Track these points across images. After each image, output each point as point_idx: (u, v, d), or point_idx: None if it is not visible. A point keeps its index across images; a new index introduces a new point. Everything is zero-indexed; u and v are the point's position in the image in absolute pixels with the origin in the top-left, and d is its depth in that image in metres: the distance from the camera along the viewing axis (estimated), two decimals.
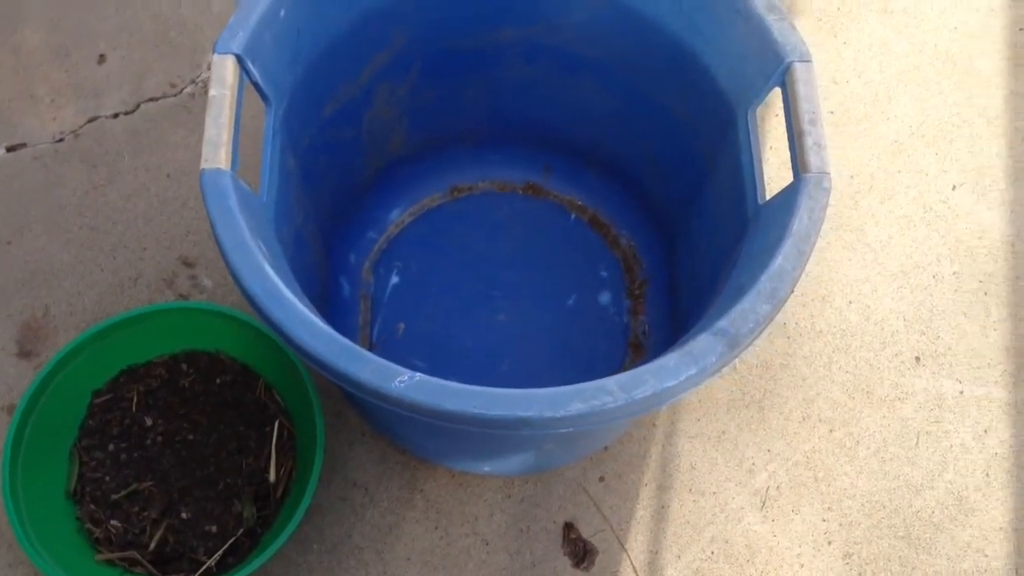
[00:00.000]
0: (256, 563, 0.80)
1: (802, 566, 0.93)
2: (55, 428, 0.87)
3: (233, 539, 0.86)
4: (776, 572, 0.92)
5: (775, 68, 0.72)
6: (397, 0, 0.82)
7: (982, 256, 1.10)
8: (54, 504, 0.86)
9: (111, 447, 0.89)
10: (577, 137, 1.02)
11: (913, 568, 0.93)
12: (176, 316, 0.89)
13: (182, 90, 1.14)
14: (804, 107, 0.70)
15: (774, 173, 1.11)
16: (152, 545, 0.86)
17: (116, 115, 1.12)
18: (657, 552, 0.92)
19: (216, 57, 0.69)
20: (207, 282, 1.02)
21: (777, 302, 0.64)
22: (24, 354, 0.98)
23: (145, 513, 0.87)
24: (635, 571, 0.92)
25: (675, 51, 0.83)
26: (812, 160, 0.68)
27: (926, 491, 0.97)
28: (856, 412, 1.00)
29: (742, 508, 0.95)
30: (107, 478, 0.88)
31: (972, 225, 1.11)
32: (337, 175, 0.94)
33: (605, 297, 1.02)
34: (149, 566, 0.85)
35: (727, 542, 0.93)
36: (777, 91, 0.74)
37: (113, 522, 0.86)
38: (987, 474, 0.98)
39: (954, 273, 1.08)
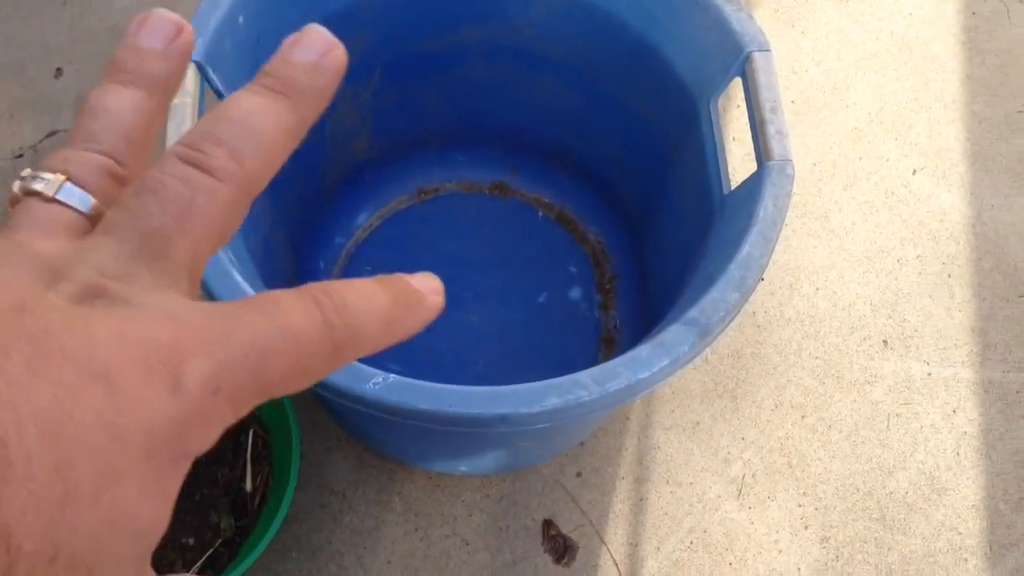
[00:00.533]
0: (235, 574, 0.79)
1: (780, 552, 0.94)
2: None
3: (211, 550, 0.85)
4: (755, 559, 0.93)
5: (735, 58, 0.73)
6: (356, 5, 0.82)
7: (944, 238, 1.11)
8: None
9: None
10: (543, 136, 1.03)
11: (889, 549, 0.95)
12: None
13: None
14: (765, 96, 0.71)
15: (738, 164, 1.12)
16: None
17: None
18: (637, 544, 0.93)
19: None
20: None
21: (746, 290, 0.64)
22: None
23: None
24: (616, 565, 0.92)
25: (636, 46, 0.83)
26: (775, 148, 0.69)
27: (899, 472, 0.98)
28: (827, 397, 1.01)
29: (719, 497, 0.96)
30: None
31: (933, 208, 1.13)
32: (303, 181, 0.94)
33: (576, 293, 1.02)
34: None
35: (705, 531, 0.94)
36: (738, 81, 0.75)
37: None
38: (957, 453, 0.99)
39: (917, 256, 1.10)
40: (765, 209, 0.67)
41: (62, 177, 0.23)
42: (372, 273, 1.02)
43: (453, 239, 1.05)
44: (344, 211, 1.04)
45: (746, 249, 0.65)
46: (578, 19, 0.86)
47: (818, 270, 1.08)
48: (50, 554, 0.17)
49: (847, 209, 1.12)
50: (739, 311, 0.65)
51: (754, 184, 0.69)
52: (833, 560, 0.94)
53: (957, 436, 1.00)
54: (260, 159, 0.24)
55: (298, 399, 0.94)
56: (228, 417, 0.20)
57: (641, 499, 0.95)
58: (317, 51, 0.25)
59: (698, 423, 0.99)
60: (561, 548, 0.92)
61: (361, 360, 0.63)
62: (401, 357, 0.97)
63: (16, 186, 0.23)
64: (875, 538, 0.95)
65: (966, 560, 0.95)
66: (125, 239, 0.21)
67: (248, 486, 0.88)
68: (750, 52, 0.72)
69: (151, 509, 0.19)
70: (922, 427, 1.01)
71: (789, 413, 1.00)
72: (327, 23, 0.86)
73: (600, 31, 0.85)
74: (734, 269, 0.64)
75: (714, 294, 0.64)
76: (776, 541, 0.94)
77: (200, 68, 0.69)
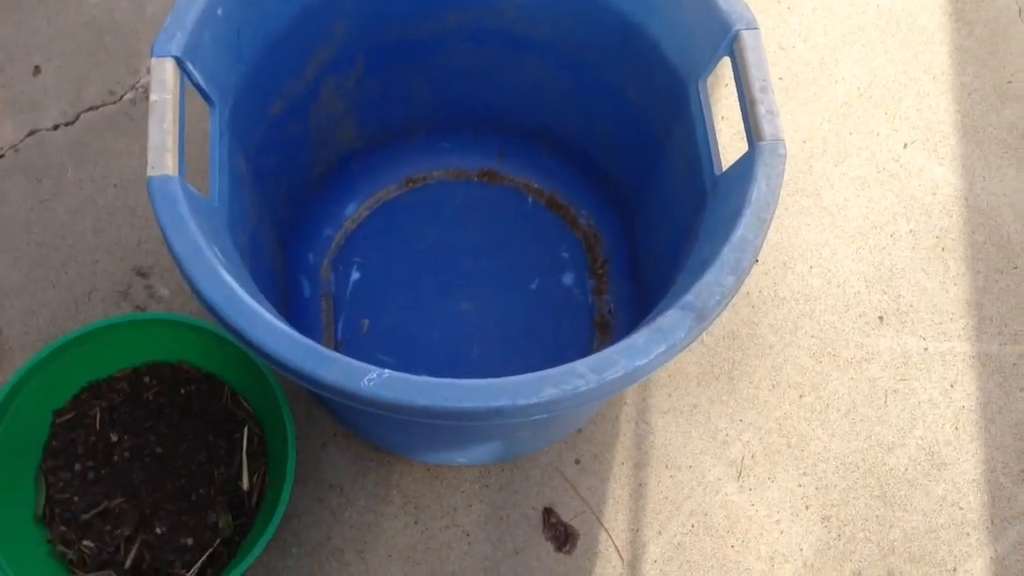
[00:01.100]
0: (235, 573, 0.78)
1: (782, 532, 0.93)
2: (18, 452, 0.85)
3: (210, 550, 0.85)
4: (756, 540, 0.93)
5: (723, 37, 0.72)
6: None
7: (937, 212, 1.11)
8: (24, 529, 0.84)
9: (78, 466, 0.87)
10: (530, 120, 1.02)
11: (891, 526, 0.94)
12: (135, 328, 0.87)
13: (122, 97, 1.11)
14: (754, 74, 0.70)
15: (727, 143, 1.11)
16: (128, 563, 0.84)
17: (56, 127, 1.09)
18: (638, 530, 0.92)
19: (155, 61, 0.67)
20: (163, 291, 1.00)
21: (741, 272, 0.63)
22: None
23: (118, 531, 0.85)
24: (617, 550, 0.92)
25: (623, 27, 0.82)
26: (766, 127, 0.68)
27: (898, 449, 0.98)
28: (824, 375, 1.01)
29: (719, 480, 0.95)
30: (76, 498, 0.86)
31: (925, 182, 1.12)
32: (289, 173, 0.92)
33: (568, 278, 1.01)
34: None
35: (706, 514, 0.94)
36: (726, 60, 0.74)
37: (86, 542, 0.85)
38: (956, 428, 0.99)
39: (910, 231, 1.09)
40: (758, 190, 0.66)
41: None
42: (362, 266, 1.01)
43: (443, 227, 1.04)
44: (332, 202, 1.03)
45: (740, 231, 0.64)
46: (562, 0, 0.85)
47: (811, 248, 1.08)
48: None
49: (839, 185, 1.12)
50: (735, 294, 0.64)
51: (746, 165, 0.68)
52: (835, 539, 0.93)
53: (955, 410, 1.00)
54: None
55: (293, 395, 0.93)
56: None
57: (640, 484, 0.94)
58: None
59: (695, 406, 0.98)
60: (562, 536, 0.92)
61: (354, 354, 0.62)
62: (394, 348, 0.97)
63: None
64: (876, 515, 0.95)
65: (968, 534, 0.94)
66: None
67: (245, 484, 0.87)
68: (738, 31, 0.71)
69: None
70: (920, 402, 1.00)
71: (787, 393, 1.00)
72: (306, 12, 0.84)
73: (585, 12, 0.84)
74: (728, 252, 0.64)
75: (709, 277, 0.63)
76: (777, 522, 0.94)
77: (180, 63, 0.67)
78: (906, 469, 0.97)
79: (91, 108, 1.10)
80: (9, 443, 0.83)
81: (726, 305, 0.63)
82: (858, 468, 0.97)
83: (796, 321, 1.04)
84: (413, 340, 0.97)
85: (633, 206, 0.98)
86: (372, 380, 0.58)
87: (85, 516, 0.86)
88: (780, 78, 1.18)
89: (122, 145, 1.08)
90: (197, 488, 0.87)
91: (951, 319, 1.05)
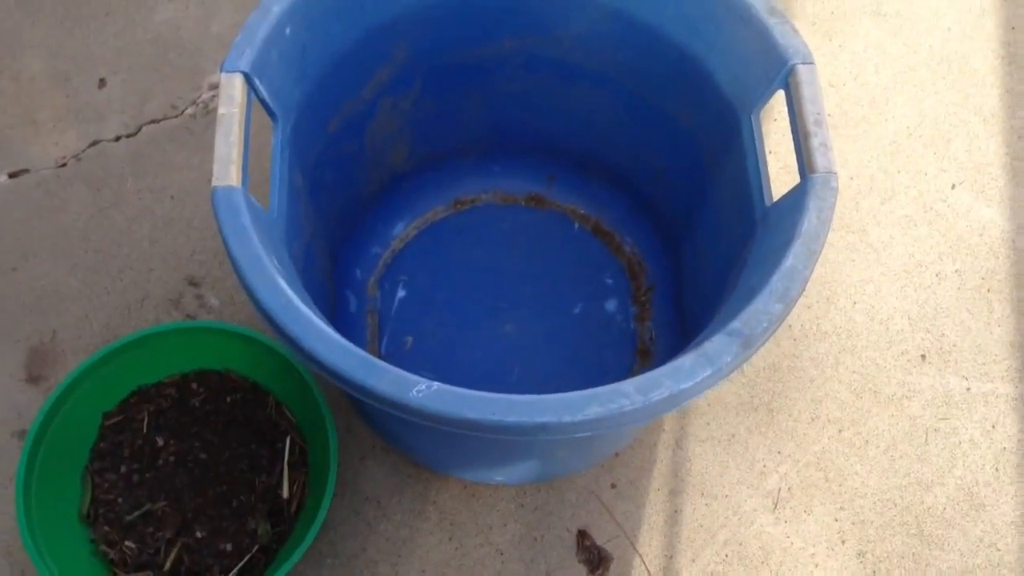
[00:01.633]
0: None
1: (816, 566, 0.93)
2: (67, 452, 0.87)
3: (248, 556, 0.86)
4: (791, 573, 0.92)
5: (778, 71, 0.73)
6: (397, 16, 0.83)
7: (983, 253, 1.10)
8: (69, 527, 0.86)
9: (123, 468, 0.89)
10: (579, 146, 1.03)
11: (927, 565, 0.94)
12: (185, 336, 0.89)
13: (183, 111, 1.14)
14: (809, 108, 0.71)
15: (774, 176, 1.12)
16: (167, 565, 0.85)
17: (118, 138, 1.12)
18: (672, 556, 0.92)
19: (224, 76, 0.69)
20: (214, 301, 1.02)
21: (789, 301, 0.64)
22: (33, 379, 0.98)
23: (159, 533, 0.87)
24: None
25: (678, 58, 0.83)
26: (819, 160, 0.69)
27: (936, 488, 0.97)
28: (864, 411, 1.01)
29: (755, 510, 0.95)
30: (120, 500, 0.88)
31: (972, 223, 1.12)
32: (342, 190, 0.94)
33: (611, 304, 1.02)
34: None
35: (741, 544, 0.93)
36: (778, 94, 0.75)
37: (128, 543, 0.86)
38: (996, 469, 0.98)
39: (956, 271, 1.09)
40: (809, 222, 0.67)
41: None
42: (408, 284, 1.02)
43: (488, 250, 1.05)
44: (381, 221, 1.05)
45: (790, 261, 0.65)
46: (620, 32, 0.86)
47: (855, 284, 1.08)
48: None
49: (885, 223, 1.12)
50: (782, 322, 0.64)
51: (798, 196, 0.69)
52: (870, 575, 0.93)
53: (996, 451, 0.99)
54: None
55: (334, 407, 0.95)
56: None
57: (676, 511, 0.95)
58: None
59: (734, 435, 0.99)
60: (596, 559, 0.92)
61: (394, 363, 0.63)
62: (436, 366, 0.98)
63: None
64: (912, 553, 0.94)
65: None
66: None
67: (285, 493, 0.88)
68: (794, 64, 0.72)
69: None
70: (960, 442, 1.00)
71: (826, 427, 0.99)
72: (369, 36, 0.87)
73: (642, 44, 0.85)
74: (777, 281, 0.64)
75: (757, 305, 0.64)
76: (813, 555, 0.93)
77: (247, 78, 0.70)
78: (944, 508, 0.96)
79: (153, 121, 1.13)
80: (59, 443, 0.85)
81: (773, 332, 0.64)
82: (896, 505, 0.96)
83: (837, 356, 1.03)
84: (455, 359, 0.99)
85: (679, 235, 0.98)
86: (421, 392, 0.59)
87: (128, 518, 0.87)
88: (829, 115, 1.19)
89: (181, 158, 1.11)
90: (238, 495, 0.88)
91: (994, 360, 1.04)
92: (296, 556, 0.80)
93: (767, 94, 0.75)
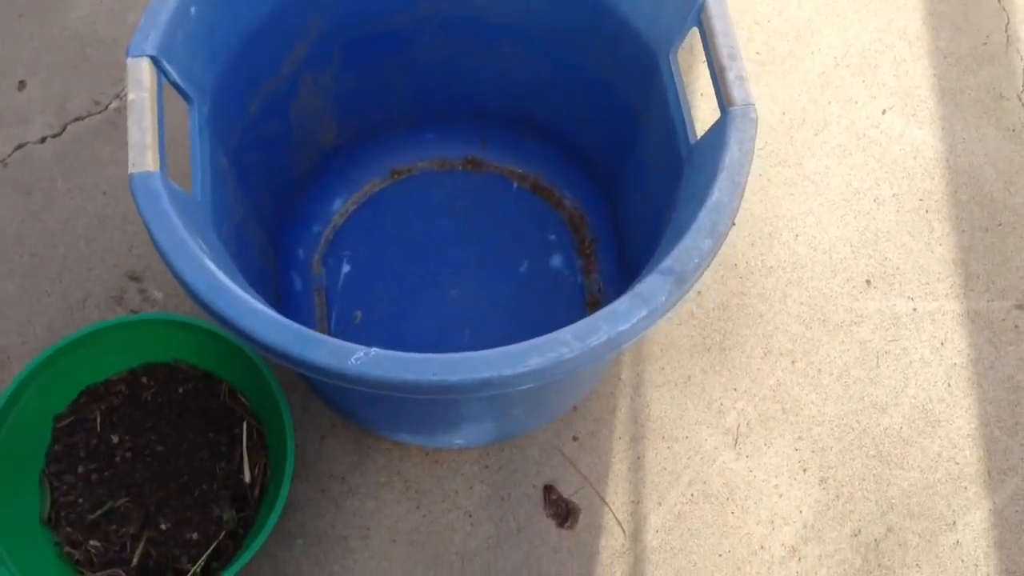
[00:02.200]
0: (239, 563, 0.79)
1: (781, 496, 0.94)
2: (21, 458, 0.86)
3: (215, 543, 0.86)
4: (756, 505, 0.94)
5: (690, 8, 0.73)
6: None
7: (919, 175, 1.12)
8: (31, 532, 0.85)
9: (81, 469, 0.88)
10: (508, 106, 1.03)
11: (888, 484, 0.95)
12: (129, 330, 0.89)
13: (107, 106, 1.12)
14: (721, 42, 0.71)
15: (708, 119, 1.12)
16: (135, 560, 0.85)
17: (43, 139, 1.10)
18: (638, 502, 0.93)
19: (130, 61, 0.68)
20: (157, 295, 1.01)
21: (718, 236, 0.65)
22: None
23: (124, 530, 0.86)
24: (619, 523, 0.93)
25: (592, 5, 0.83)
26: (736, 93, 0.69)
27: (891, 408, 0.99)
28: (815, 341, 1.02)
29: (716, 448, 0.96)
30: (81, 500, 0.87)
31: (905, 146, 1.13)
32: (272, 172, 0.93)
33: (557, 260, 1.02)
34: None
35: (705, 483, 0.95)
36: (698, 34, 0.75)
37: (92, 542, 0.86)
38: (948, 384, 1.00)
39: (894, 195, 1.10)
40: (731, 154, 0.67)
41: None
42: (352, 259, 1.02)
43: (430, 217, 1.05)
44: (318, 198, 1.04)
45: (715, 195, 0.65)
46: None
47: (796, 216, 1.09)
48: None
49: (820, 154, 1.13)
50: (713, 256, 0.65)
51: (718, 131, 0.69)
52: (833, 499, 0.94)
53: (947, 368, 1.01)
54: None
55: (290, 389, 0.94)
56: None
57: (638, 457, 0.95)
58: None
59: (689, 377, 0.99)
60: (563, 512, 0.93)
61: (345, 339, 0.63)
62: (387, 338, 0.98)
63: None
64: (874, 474, 0.96)
65: (965, 488, 0.95)
66: None
67: (247, 478, 0.88)
68: (704, 0, 0.72)
69: None
70: (911, 362, 1.01)
71: (779, 360, 1.01)
72: (280, 9, 0.85)
73: None
74: (704, 216, 0.65)
75: (687, 241, 0.64)
76: (776, 486, 0.95)
77: (155, 62, 0.68)
78: (901, 428, 0.98)
79: (77, 119, 1.11)
80: (11, 449, 0.84)
81: (705, 268, 0.64)
82: (853, 429, 0.98)
83: (784, 289, 1.04)
84: (405, 329, 0.98)
85: (615, 184, 0.99)
86: (359, 359, 0.59)
87: (90, 517, 0.87)
88: (757, 53, 1.19)
89: (109, 154, 1.09)
90: (200, 484, 0.88)
91: (938, 279, 1.06)
92: (260, 539, 0.80)
93: (681, 33, 0.75)
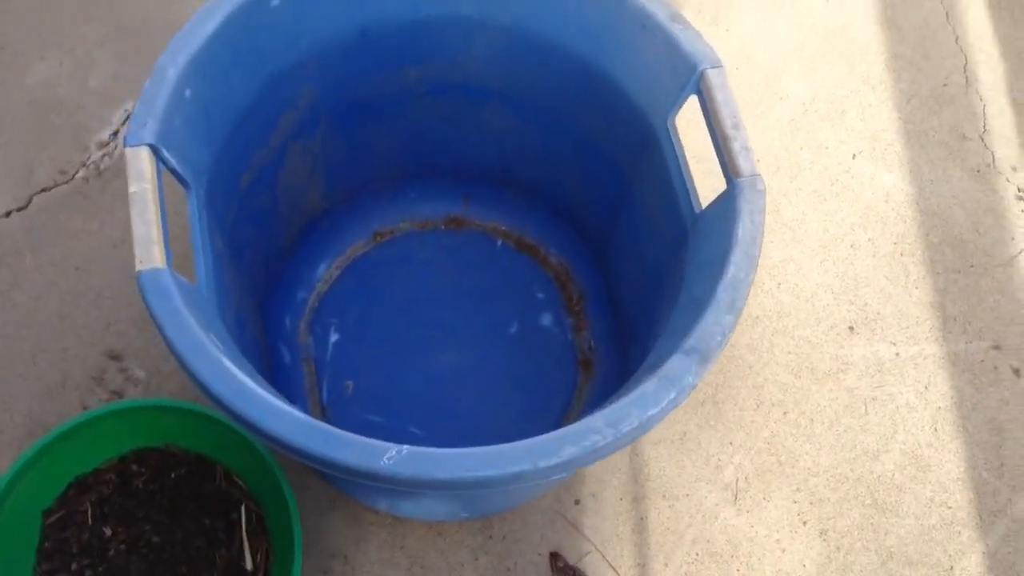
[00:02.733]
0: None
1: (783, 551, 0.95)
2: (11, 558, 0.82)
3: None
4: (760, 561, 0.94)
5: (689, 77, 0.73)
6: (298, 58, 0.81)
7: (892, 219, 1.14)
8: None
9: (74, 566, 0.84)
10: (493, 164, 1.02)
11: (886, 532, 0.96)
12: (120, 418, 0.85)
13: (74, 175, 1.09)
14: (724, 112, 0.71)
15: (698, 181, 1.13)
16: None
17: (8, 213, 1.06)
18: (644, 564, 0.93)
19: (129, 150, 0.66)
20: (139, 373, 0.98)
21: (737, 311, 0.65)
22: None
23: None
24: None
25: (583, 71, 0.83)
26: (742, 164, 0.70)
27: (883, 455, 1.00)
28: (805, 390, 1.03)
29: (716, 505, 0.96)
30: None
31: (877, 190, 1.16)
32: (261, 242, 0.91)
33: (547, 318, 1.02)
34: None
35: (708, 541, 0.95)
36: (690, 100, 0.75)
37: None
38: (935, 429, 1.02)
39: (869, 239, 1.12)
40: (743, 228, 0.67)
41: None
42: (339, 327, 1.00)
43: (414, 279, 1.04)
44: (303, 264, 1.02)
45: (732, 271, 0.66)
46: (520, 51, 0.85)
47: (777, 264, 1.10)
48: None
49: (796, 201, 1.14)
50: (732, 332, 0.65)
51: (727, 202, 0.70)
52: (835, 551, 0.95)
53: (932, 411, 1.03)
54: None
55: (285, 465, 0.92)
56: None
57: (641, 518, 0.95)
58: None
59: (685, 433, 0.99)
60: None
61: (342, 417, 0.61)
62: (381, 407, 0.96)
63: None
64: (871, 524, 0.97)
65: (959, 532, 0.97)
66: None
67: (248, 564, 0.85)
68: (703, 70, 0.73)
69: None
70: (898, 407, 1.03)
71: (771, 411, 1.01)
72: (271, 82, 0.84)
73: (545, 61, 0.85)
74: (723, 292, 0.65)
75: (708, 319, 0.64)
76: (778, 541, 0.95)
77: (154, 151, 0.66)
78: (893, 475, 0.99)
79: (43, 190, 1.07)
80: (1, 551, 0.80)
81: (726, 344, 0.65)
82: (848, 479, 0.99)
83: (771, 339, 1.05)
84: (399, 397, 0.97)
85: (605, 241, 0.99)
86: (392, 458, 0.57)
87: None
88: None
89: (79, 224, 1.05)
90: (199, 574, 0.85)
91: (917, 322, 1.08)
92: None
93: (679, 101, 0.76)
